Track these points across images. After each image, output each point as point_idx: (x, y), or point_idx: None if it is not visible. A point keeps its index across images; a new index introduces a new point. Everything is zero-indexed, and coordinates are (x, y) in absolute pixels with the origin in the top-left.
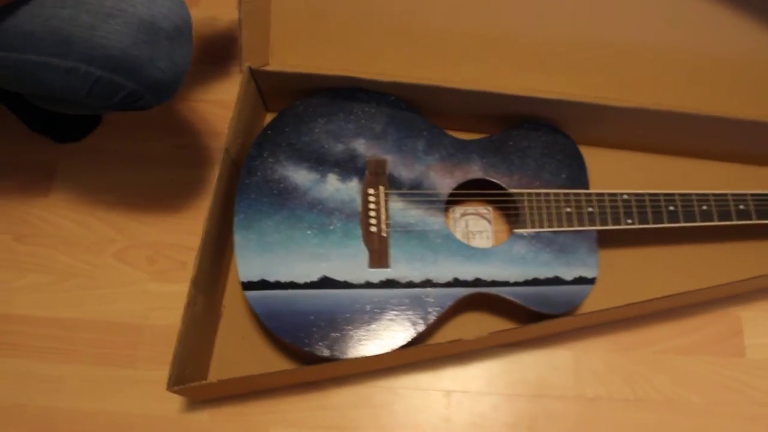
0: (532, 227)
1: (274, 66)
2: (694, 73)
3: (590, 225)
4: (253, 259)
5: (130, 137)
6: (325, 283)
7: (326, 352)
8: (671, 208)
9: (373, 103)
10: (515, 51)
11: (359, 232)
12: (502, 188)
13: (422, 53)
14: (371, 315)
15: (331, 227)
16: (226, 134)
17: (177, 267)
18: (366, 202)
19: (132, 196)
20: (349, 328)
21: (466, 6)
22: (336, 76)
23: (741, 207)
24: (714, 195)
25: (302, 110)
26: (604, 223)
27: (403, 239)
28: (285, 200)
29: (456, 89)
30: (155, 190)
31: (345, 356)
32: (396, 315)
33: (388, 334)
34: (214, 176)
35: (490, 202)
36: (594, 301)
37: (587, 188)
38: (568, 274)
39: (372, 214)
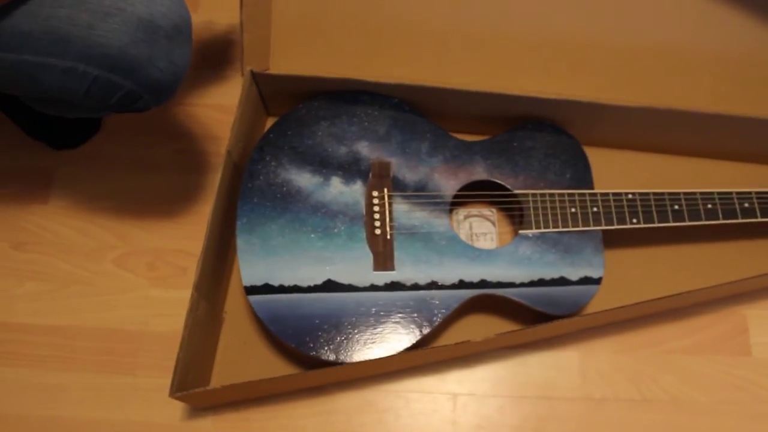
0: (537, 228)
1: (274, 70)
2: (698, 72)
3: (595, 225)
4: (257, 263)
5: (129, 143)
6: (330, 286)
7: (332, 357)
8: (676, 207)
9: (376, 106)
10: (518, 52)
11: (363, 234)
12: (506, 189)
13: (424, 55)
14: (377, 318)
15: (336, 230)
16: (225, 138)
17: (177, 273)
18: (370, 204)
19: (131, 202)
20: (355, 331)
21: (467, 8)
22: (338, 78)
23: (746, 205)
24: (719, 194)
25: (304, 113)
26: (609, 222)
27: (407, 241)
28: (288, 204)
29: (459, 90)
30: (154, 195)
31: (351, 360)
32: (402, 317)
33: (394, 337)
34: (214, 181)
35: (494, 204)
36: (600, 302)
37: (592, 188)
38: (574, 275)
39: (376, 216)
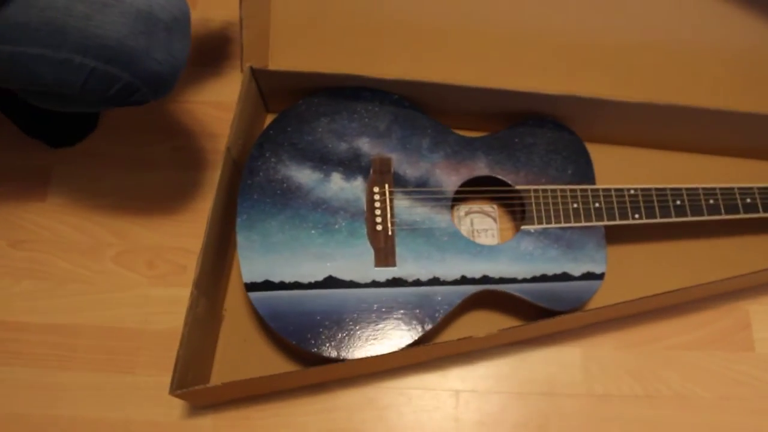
0: (540, 223)
1: (274, 66)
2: (699, 69)
3: (597, 220)
4: (257, 259)
5: (126, 141)
6: (331, 282)
7: (333, 353)
8: (678, 202)
9: (376, 102)
10: (518, 49)
11: (365, 231)
12: (508, 185)
13: (424, 52)
14: (378, 314)
15: (336, 226)
16: (223, 136)
17: (177, 271)
18: (371, 200)
19: (129, 199)
20: (356, 328)
21: (468, 4)
22: (338, 75)
23: (748, 200)
24: (721, 189)
25: (304, 109)
26: (611, 218)
27: (409, 237)
28: (288, 200)
29: (459, 86)
30: (153, 193)
31: (352, 357)
32: (403, 314)
33: (396, 334)
34: (212, 178)
35: (495, 200)
36: (602, 298)
37: (594, 184)
38: (577, 270)
39: (377, 212)
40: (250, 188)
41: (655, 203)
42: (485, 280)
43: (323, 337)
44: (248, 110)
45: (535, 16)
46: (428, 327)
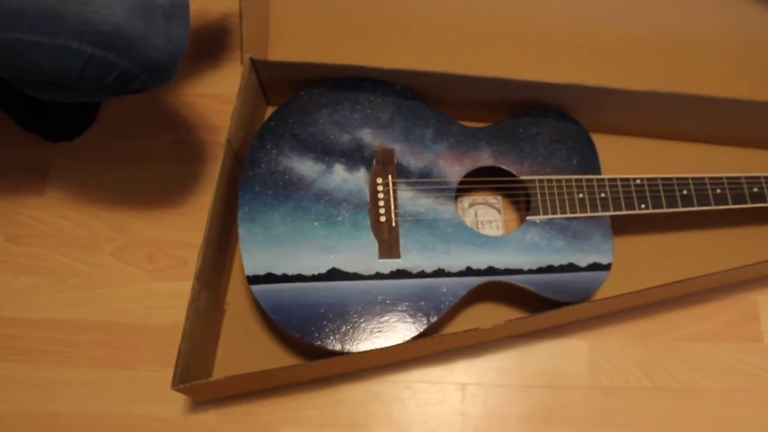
0: (545, 214)
1: (274, 57)
2: (705, 57)
3: (603, 210)
4: (259, 252)
5: (125, 134)
6: (334, 275)
7: (337, 346)
8: (685, 191)
9: (378, 92)
10: (521, 38)
11: (368, 222)
12: (512, 175)
13: (426, 41)
14: (383, 306)
15: (339, 218)
16: (224, 128)
17: (177, 265)
18: (374, 191)
19: (129, 193)
20: (361, 320)
21: None
22: (340, 65)
23: (755, 190)
24: (727, 178)
25: (306, 100)
26: (617, 208)
27: (413, 229)
28: (290, 192)
29: (462, 76)
30: (152, 186)
31: (357, 349)
32: (408, 306)
33: (401, 326)
34: (213, 171)
35: (499, 191)
36: (608, 289)
37: (599, 174)
38: (583, 261)
39: (381, 203)
40: (252, 180)
41: (662, 193)
42: (491, 271)
43: (327, 330)
44: (248, 102)
45: (539, 5)
46: (433, 319)
